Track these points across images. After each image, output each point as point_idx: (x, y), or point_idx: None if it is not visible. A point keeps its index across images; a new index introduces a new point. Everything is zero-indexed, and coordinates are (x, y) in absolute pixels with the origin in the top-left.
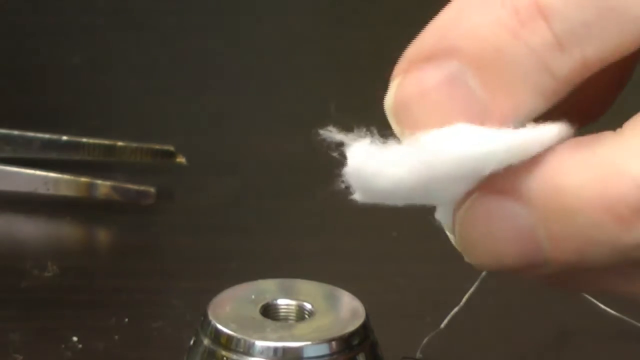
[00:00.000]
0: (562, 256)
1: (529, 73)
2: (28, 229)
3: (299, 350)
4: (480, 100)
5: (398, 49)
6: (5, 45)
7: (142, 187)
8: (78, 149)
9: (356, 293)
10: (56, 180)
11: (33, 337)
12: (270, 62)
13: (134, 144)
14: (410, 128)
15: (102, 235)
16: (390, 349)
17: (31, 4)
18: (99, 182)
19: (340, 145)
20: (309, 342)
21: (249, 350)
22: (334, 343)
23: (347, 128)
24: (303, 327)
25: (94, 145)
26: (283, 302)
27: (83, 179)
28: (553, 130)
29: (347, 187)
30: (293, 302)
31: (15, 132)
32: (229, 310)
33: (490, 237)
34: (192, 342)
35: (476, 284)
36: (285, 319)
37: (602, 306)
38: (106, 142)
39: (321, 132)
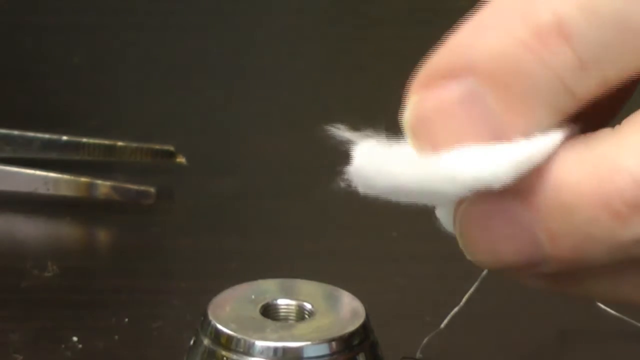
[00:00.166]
0: (561, 253)
1: (549, 93)
2: (28, 229)
3: (299, 350)
4: (499, 118)
5: (398, 49)
6: (5, 45)
7: (142, 187)
8: (78, 149)
9: (356, 293)
10: (56, 180)
11: (33, 337)
12: (270, 62)
13: (134, 144)
14: (428, 144)
15: (102, 235)
16: (390, 349)
17: (31, 4)
18: (99, 182)
19: (346, 142)
20: (309, 342)
21: (249, 350)
22: (334, 343)
23: (352, 128)
24: (303, 327)
25: (94, 145)
26: (283, 302)
27: (83, 179)
28: (558, 137)
29: (349, 184)
30: (293, 302)
31: (15, 132)
32: (229, 310)
33: (489, 234)
34: (192, 342)
35: (476, 284)
36: (285, 319)
37: (602, 306)
38: (106, 142)
39: (329, 128)
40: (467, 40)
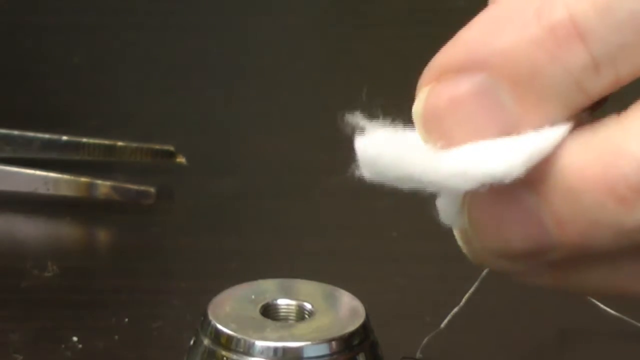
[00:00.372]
0: (568, 239)
1: (562, 90)
2: (28, 229)
3: (299, 350)
4: (512, 114)
5: (398, 49)
6: (5, 45)
7: (142, 187)
8: (78, 149)
9: (356, 293)
10: (56, 180)
11: (33, 337)
12: (270, 62)
13: (134, 144)
14: (440, 137)
15: (102, 235)
16: (390, 349)
17: (31, 4)
18: (99, 182)
19: (361, 130)
20: (309, 342)
21: (249, 350)
22: (334, 343)
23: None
24: (303, 327)
25: (94, 145)
26: (283, 302)
27: (83, 179)
28: (567, 127)
29: (358, 170)
30: (293, 302)
31: (15, 132)
32: (229, 310)
33: (498, 220)
34: (192, 342)
35: (476, 284)
36: (285, 319)
37: (602, 306)
38: (106, 142)
39: (347, 116)
40: (481, 36)
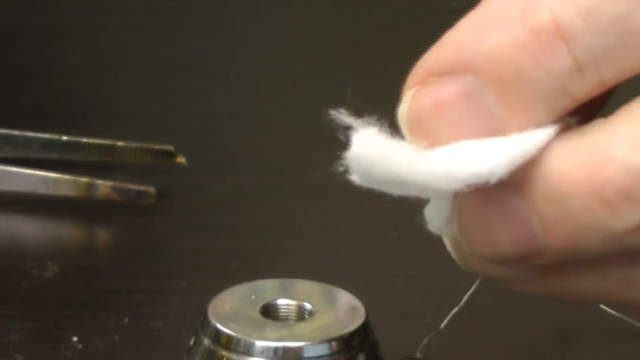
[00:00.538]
0: (556, 243)
1: (547, 93)
2: (28, 229)
3: (299, 350)
4: (497, 116)
5: (398, 49)
6: (5, 45)
7: (142, 187)
8: (78, 149)
9: (356, 293)
10: (56, 180)
11: (33, 337)
12: (270, 62)
13: (134, 144)
14: (424, 139)
15: (102, 235)
16: (390, 349)
17: (31, 3)
18: (99, 182)
19: (347, 128)
20: (309, 342)
21: (249, 350)
22: (334, 343)
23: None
24: (303, 327)
25: (94, 145)
26: (283, 302)
27: (83, 179)
28: (553, 130)
29: (346, 170)
30: (293, 302)
31: (15, 132)
32: (229, 310)
33: (485, 224)
34: (192, 342)
35: (476, 284)
36: (285, 319)
37: (602, 306)
38: (106, 142)
39: (332, 112)
40: (466, 38)
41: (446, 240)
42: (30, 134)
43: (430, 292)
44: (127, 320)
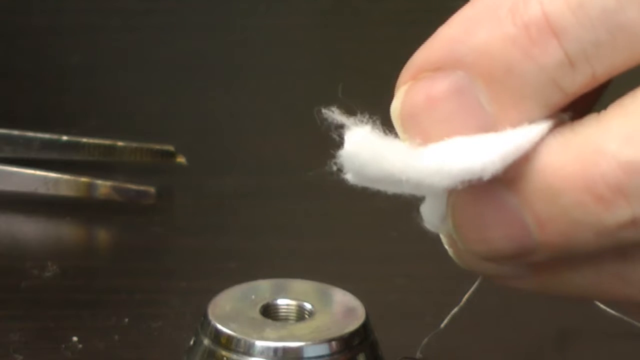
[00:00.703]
0: (550, 239)
1: (538, 88)
2: (28, 229)
3: (299, 350)
4: (489, 113)
5: (398, 49)
6: (5, 45)
7: (142, 187)
8: (78, 149)
9: (356, 293)
10: (56, 180)
11: (33, 337)
12: (270, 62)
13: (134, 144)
14: (417, 136)
15: (102, 235)
16: (390, 349)
17: (31, 3)
18: (99, 182)
19: (340, 127)
20: (309, 342)
21: (249, 350)
22: (334, 343)
23: (346, 112)
24: (303, 327)
25: (94, 145)
26: (283, 302)
27: (83, 179)
28: (546, 125)
29: (340, 169)
30: (293, 302)
31: (15, 132)
32: (229, 310)
33: (479, 221)
34: (192, 342)
35: (476, 284)
36: (285, 319)
37: (602, 306)
38: (106, 142)
39: (324, 111)
40: (457, 34)
41: (443, 238)
42: (30, 134)
43: (430, 292)
44: (127, 320)
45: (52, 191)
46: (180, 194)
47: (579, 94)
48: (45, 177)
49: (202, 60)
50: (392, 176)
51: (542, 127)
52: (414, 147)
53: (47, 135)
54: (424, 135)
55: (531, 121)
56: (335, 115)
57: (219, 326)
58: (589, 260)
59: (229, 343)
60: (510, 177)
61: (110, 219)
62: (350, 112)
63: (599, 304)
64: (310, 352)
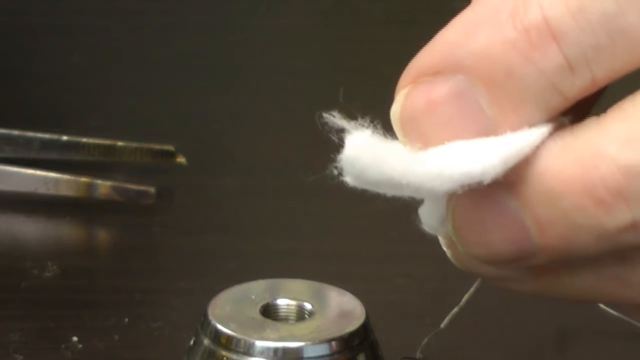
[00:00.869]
0: (550, 242)
1: (538, 92)
2: (28, 229)
3: (299, 350)
4: (489, 117)
5: (397, 49)
6: (5, 45)
7: (142, 187)
8: (78, 149)
9: (356, 293)
10: (56, 180)
11: (33, 337)
12: (270, 62)
13: (134, 144)
14: (417, 140)
15: (102, 235)
16: (390, 349)
17: (31, 4)
18: (99, 182)
19: (341, 131)
20: (309, 342)
21: (249, 350)
22: (334, 343)
23: (347, 116)
24: (303, 327)
25: (94, 145)
26: (283, 302)
27: (83, 179)
28: (547, 129)
29: (340, 172)
30: (293, 302)
31: (15, 132)
32: (229, 310)
33: (480, 224)
34: (192, 342)
35: (476, 284)
36: (285, 319)
37: (603, 306)
38: (106, 142)
39: (324, 115)
40: (457, 38)
41: (441, 240)
42: (30, 134)
43: (430, 292)
44: (127, 320)
45: (52, 191)
46: (180, 194)
47: (579, 98)
48: (45, 177)
49: (202, 60)
50: (392, 180)
51: (542, 130)
52: (414, 151)
53: (47, 135)
54: (424, 140)
55: (531, 125)
56: (335, 119)
57: (219, 326)
58: (589, 264)
59: (229, 343)
60: (511, 180)
61: (110, 219)
62: (350, 115)
63: (599, 304)
64: (310, 352)
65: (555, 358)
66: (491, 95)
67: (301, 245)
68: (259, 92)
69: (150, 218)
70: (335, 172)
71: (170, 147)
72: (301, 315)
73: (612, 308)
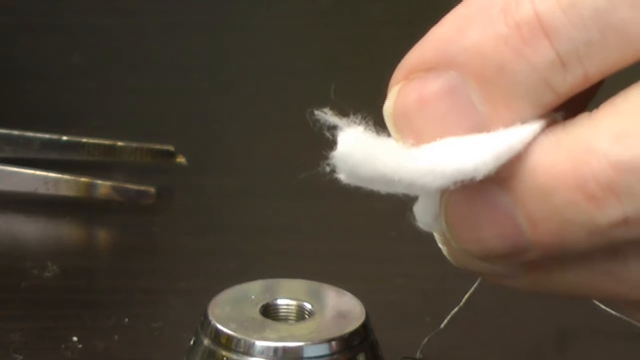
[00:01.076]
0: (542, 238)
1: (531, 88)
2: (28, 229)
3: (299, 350)
4: (481, 113)
5: (397, 49)
6: (5, 45)
7: (142, 187)
8: (78, 149)
9: (356, 293)
10: (56, 180)
11: (33, 337)
12: (270, 62)
13: (134, 144)
14: (410, 136)
15: (102, 235)
16: (390, 349)
17: (31, 4)
18: (99, 182)
19: (333, 128)
20: (309, 342)
21: (249, 350)
22: (334, 343)
23: (339, 113)
24: (303, 327)
25: (94, 145)
26: (283, 302)
27: (83, 179)
28: (539, 125)
29: (332, 169)
30: (293, 302)
31: (15, 132)
32: (229, 310)
33: (472, 220)
34: (192, 342)
35: (476, 284)
36: (285, 319)
37: (602, 306)
38: (106, 142)
39: (316, 112)
40: (449, 33)
41: (436, 237)
42: (30, 134)
43: (430, 292)
44: (127, 320)
45: (52, 191)
46: (180, 194)
47: (572, 94)
48: (45, 177)
49: (202, 60)
50: (385, 176)
51: (535, 126)
52: (407, 148)
53: (47, 135)
54: (417, 136)
55: (523, 121)
56: (327, 116)
57: (219, 326)
58: (581, 259)
59: (229, 343)
60: (503, 176)
61: (110, 219)
62: (343, 113)
63: (598, 303)
64: (310, 352)
65: (555, 357)
66: (483, 91)
67: (301, 245)
68: (259, 92)
69: (150, 218)
70: (328, 169)
71: (170, 147)
72: (301, 315)
73: (610, 306)
